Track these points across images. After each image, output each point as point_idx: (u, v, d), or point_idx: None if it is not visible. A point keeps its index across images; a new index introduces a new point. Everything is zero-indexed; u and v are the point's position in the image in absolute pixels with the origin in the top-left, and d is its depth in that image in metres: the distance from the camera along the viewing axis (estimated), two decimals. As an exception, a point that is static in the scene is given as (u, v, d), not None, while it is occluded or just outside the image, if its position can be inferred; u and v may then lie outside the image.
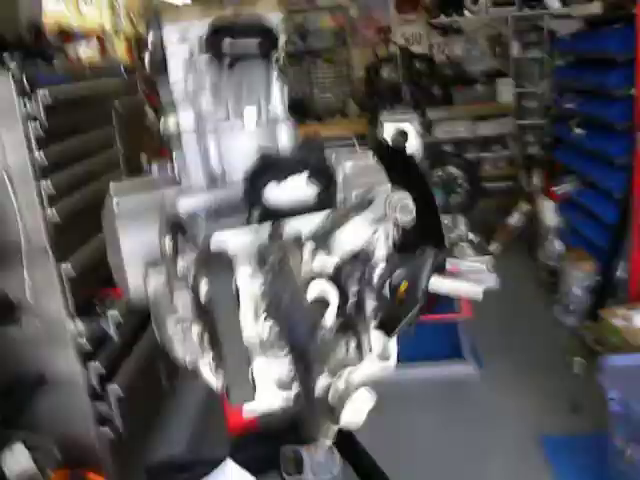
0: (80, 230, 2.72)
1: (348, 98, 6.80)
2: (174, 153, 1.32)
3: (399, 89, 5.57)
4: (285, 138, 1.26)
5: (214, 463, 1.91)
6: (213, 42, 1.11)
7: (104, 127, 3.18)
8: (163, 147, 1.54)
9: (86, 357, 2.74)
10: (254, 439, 2.00)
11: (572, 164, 4.93)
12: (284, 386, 0.88)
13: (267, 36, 1.14)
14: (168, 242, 1.20)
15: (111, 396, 2.79)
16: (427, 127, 5.57)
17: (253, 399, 0.86)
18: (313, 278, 0.77)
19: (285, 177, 0.94)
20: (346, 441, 1.97)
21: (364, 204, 0.78)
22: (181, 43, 1.18)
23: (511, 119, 6.62)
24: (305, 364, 0.69)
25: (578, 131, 4.62)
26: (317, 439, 0.67)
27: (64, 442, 2.57)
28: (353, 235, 0.76)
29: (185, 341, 1.26)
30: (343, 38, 6.73)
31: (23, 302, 2.54)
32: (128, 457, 3.06)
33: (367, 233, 0.76)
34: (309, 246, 0.79)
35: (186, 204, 1.11)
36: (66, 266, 2.61)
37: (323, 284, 0.82)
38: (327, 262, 0.77)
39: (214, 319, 0.81)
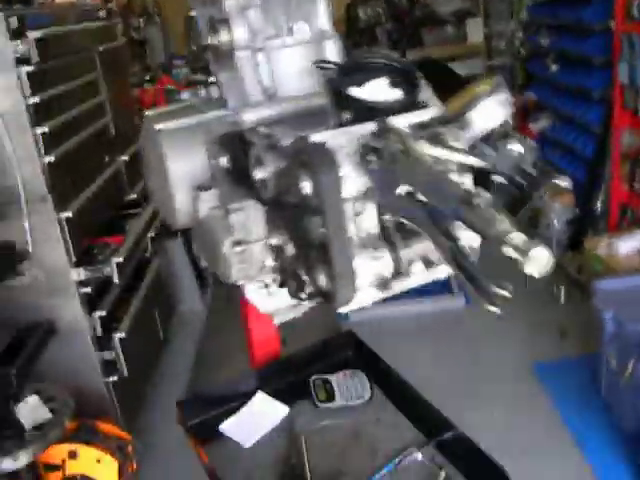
0: (77, 176, 2.67)
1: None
2: (219, 74, 1.30)
3: (376, 29, 5.54)
4: (334, 54, 1.25)
5: (245, 395, 1.94)
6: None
7: (89, 72, 3.08)
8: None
9: (90, 305, 2.72)
10: (280, 370, 2.03)
11: (547, 101, 4.99)
12: (384, 285, 0.90)
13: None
14: (224, 163, 1.19)
15: (116, 343, 2.79)
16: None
17: (354, 297, 0.88)
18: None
19: (367, 80, 0.94)
20: (375, 365, 2.02)
21: (491, 89, 0.78)
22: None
23: (481, 59, 6.64)
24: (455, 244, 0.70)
25: (554, 67, 4.66)
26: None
27: (71, 391, 2.57)
28: (488, 115, 0.77)
29: (242, 263, 1.26)
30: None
31: (25, 252, 2.49)
32: (135, 401, 3.08)
33: (503, 114, 0.76)
34: (424, 137, 0.80)
35: (252, 117, 1.10)
36: (66, 214, 2.56)
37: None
38: (449, 155, 0.77)
39: (323, 217, 0.81)
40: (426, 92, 0.95)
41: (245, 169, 1.14)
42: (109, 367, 2.81)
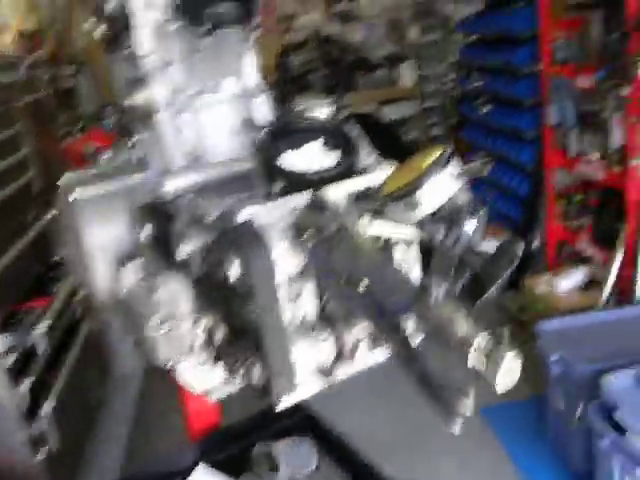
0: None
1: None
2: (135, 136, 1.20)
3: (308, 77, 5.54)
4: (264, 110, 1.18)
5: (184, 471, 1.79)
6: (190, 6, 1.00)
7: (8, 127, 2.91)
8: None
9: (14, 376, 2.51)
10: (220, 441, 1.90)
11: (480, 142, 5.07)
12: (325, 372, 0.80)
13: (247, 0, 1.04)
14: (146, 232, 1.09)
15: (45, 416, 2.58)
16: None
17: (295, 389, 0.78)
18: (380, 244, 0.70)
19: (300, 145, 0.86)
20: (320, 431, 1.91)
21: (444, 159, 0.71)
22: (148, 10, 1.06)
23: (414, 102, 6.74)
24: (402, 337, 0.61)
25: (485, 109, 4.75)
26: (456, 412, 0.59)
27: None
28: (439, 191, 0.69)
29: (171, 340, 1.15)
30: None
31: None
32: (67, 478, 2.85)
33: (453, 188, 0.69)
34: (366, 213, 0.72)
35: (173, 186, 1.00)
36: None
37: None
38: (385, 228, 0.70)
39: (253, 303, 0.72)
40: (364, 152, 0.87)
41: (169, 242, 1.03)
42: (38, 442, 2.58)
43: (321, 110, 3.39)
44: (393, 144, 1.32)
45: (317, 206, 0.74)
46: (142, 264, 1.14)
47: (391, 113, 6.75)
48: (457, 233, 0.65)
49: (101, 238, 1.17)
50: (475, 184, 5.01)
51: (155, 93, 1.07)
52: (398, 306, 0.60)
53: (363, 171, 0.85)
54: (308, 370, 0.79)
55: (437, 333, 0.57)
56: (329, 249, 0.68)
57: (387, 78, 6.69)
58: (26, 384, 2.51)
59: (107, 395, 3.64)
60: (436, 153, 0.72)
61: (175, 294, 1.12)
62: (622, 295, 3.49)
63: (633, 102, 3.09)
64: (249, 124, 1.09)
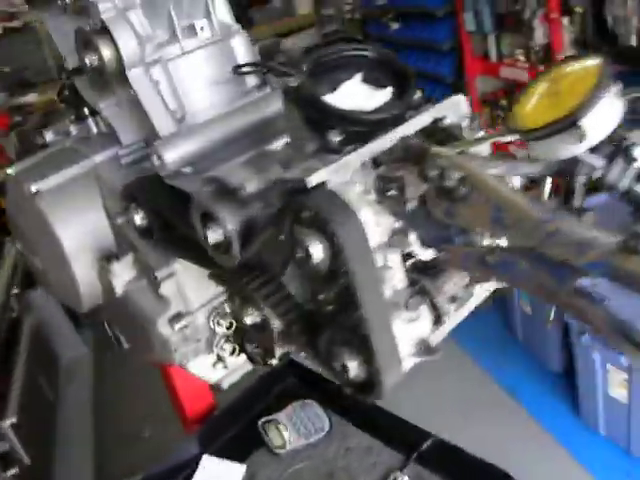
0: None
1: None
2: (99, 103, 0.98)
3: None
4: (244, 53, 0.98)
5: (189, 465, 1.64)
6: None
7: None
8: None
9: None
10: (221, 424, 1.75)
11: (393, 60, 4.94)
12: (424, 352, 0.67)
13: None
14: (139, 221, 0.90)
15: (7, 432, 2.35)
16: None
17: (401, 378, 0.65)
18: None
19: (337, 84, 0.69)
20: (324, 389, 1.80)
21: (609, 76, 0.56)
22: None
23: (314, 30, 6.49)
24: None
25: (395, 25, 4.61)
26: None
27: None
28: (607, 117, 0.54)
29: (185, 341, 0.98)
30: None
31: None
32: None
33: (620, 111, 0.54)
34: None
35: (172, 156, 0.81)
36: None
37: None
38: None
39: (348, 287, 0.57)
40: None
41: (175, 225, 0.85)
42: (6, 460, 2.36)
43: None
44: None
45: (406, 151, 0.59)
46: (136, 257, 0.95)
47: (289, 43, 6.49)
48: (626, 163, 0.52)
49: (76, 232, 0.97)
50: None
51: (120, 45, 0.85)
52: (590, 267, 0.47)
53: (417, 104, 0.70)
54: (408, 351, 0.65)
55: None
56: (452, 203, 0.54)
57: (283, 8, 6.39)
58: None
59: (61, 385, 3.43)
60: (591, 68, 0.58)
61: (184, 284, 0.95)
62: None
63: (554, -2, 3.03)
64: (242, 69, 0.90)
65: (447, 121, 0.69)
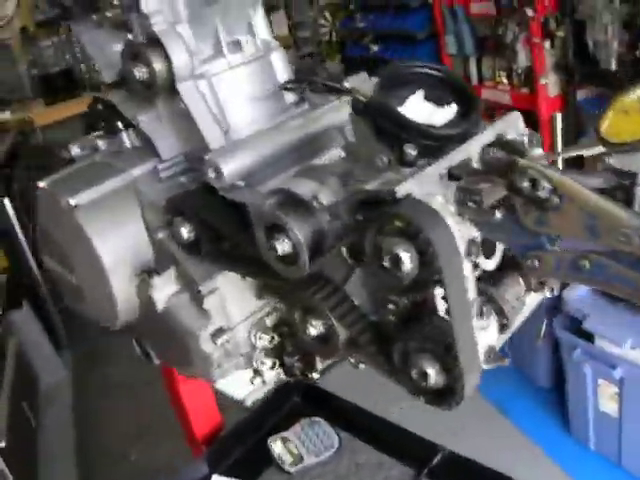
0: None
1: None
2: (141, 116, 0.98)
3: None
4: (282, 69, 1.00)
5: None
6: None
7: None
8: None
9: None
10: (229, 444, 1.73)
11: (372, 82, 5.01)
12: (492, 360, 0.68)
13: None
14: (186, 234, 0.90)
15: (-5, 455, 2.28)
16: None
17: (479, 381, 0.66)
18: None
19: (403, 99, 0.71)
20: (330, 405, 1.80)
21: None
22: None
23: (290, 51, 6.56)
24: None
25: (375, 48, 4.69)
26: None
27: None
28: None
29: (227, 357, 0.98)
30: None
31: None
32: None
33: None
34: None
35: (231, 168, 0.81)
36: None
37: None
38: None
39: (445, 291, 0.58)
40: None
41: (229, 238, 0.85)
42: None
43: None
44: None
45: (492, 164, 0.60)
46: (178, 271, 0.95)
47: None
48: None
49: (115, 247, 0.96)
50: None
51: (172, 58, 0.86)
52: None
53: (474, 122, 0.72)
54: (481, 356, 0.67)
55: None
56: (543, 212, 0.55)
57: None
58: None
59: (42, 408, 3.36)
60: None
61: (226, 298, 0.95)
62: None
63: (536, 22, 3.12)
64: (289, 85, 0.91)
65: (509, 137, 0.71)
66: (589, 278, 0.58)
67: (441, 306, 0.61)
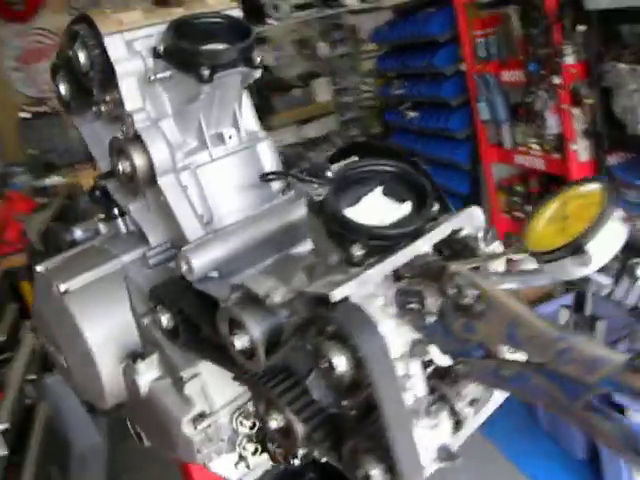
0: None
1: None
2: (129, 206, 1.03)
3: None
4: (269, 158, 1.04)
5: None
6: (184, 50, 0.85)
7: None
8: None
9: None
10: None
11: (411, 147, 5.07)
12: (445, 458, 0.67)
13: (246, 36, 0.90)
14: (165, 322, 0.92)
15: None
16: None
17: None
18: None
19: (358, 198, 0.73)
20: None
21: (614, 202, 0.59)
22: (132, 58, 0.90)
23: (333, 116, 6.72)
24: None
25: (412, 114, 4.75)
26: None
27: None
28: (612, 240, 0.57)
29: (209, 441, 0.99)
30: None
31: None
32: None
33: (624, 234, 0.57)
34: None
35: (201, 262, 0.84)
36: None
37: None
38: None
39: (370, 397, 0.58)
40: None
41: (200, 328, 0.88)
42: None
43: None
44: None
45: (425, 268, 0.61)
46: (161, 357, 0.97)
47: (312, 131, 6.70)
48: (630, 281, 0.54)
49: (102, 332, 0.99)
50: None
51: (152, 154, 0.91)
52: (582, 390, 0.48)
53: (433, 217, 0.73)
54: (430, 457, 0.66)
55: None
56: (471, 318, 0.56)
57: (303, 96, 6.63)
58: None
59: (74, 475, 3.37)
60: (597, 192, 0.61)
61: (208, 384, 0.96)
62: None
63: (565, 90, 3.13)
64: (269, 177, 0.95)
65: (464, 232, 0.72)
66: (509, 386, 0.57)
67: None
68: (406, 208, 0.71)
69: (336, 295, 0.60)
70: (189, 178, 0.96)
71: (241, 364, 0.76)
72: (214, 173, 0.97)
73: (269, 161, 1.03)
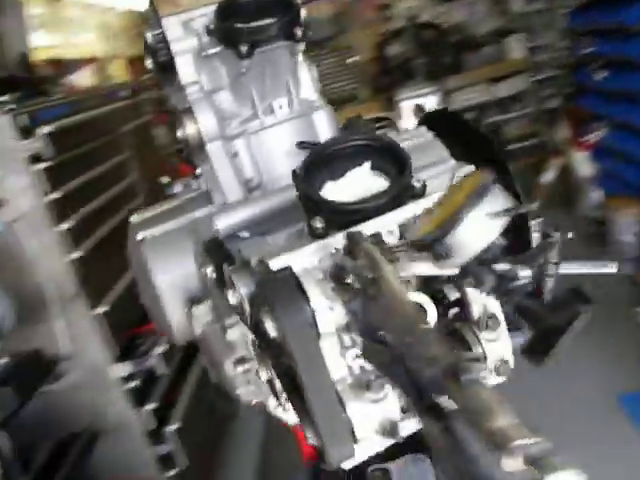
0: (110, 266, 2.56)
1: (358, 83, 6.51)
2: (199, 167, 1.15)
3: (410, 64, 5.37)
4: (325, 127, 1.08)
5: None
6: (224, 28, 0.93)
7: (115, 156, 3.01)
8: (182, 165, 1.37)
9: (138, 399, 2.59)
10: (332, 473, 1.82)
11: (599, 109, 4.66)
12: (389, 433, 0.70)
13: (288, 11, 0.95)
14: (210, 273, 1.03)
15: (170, 436, 2.64)
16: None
17: (354, 455, 0.69)
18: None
19: (343, 172, 0.76)
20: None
21: (479, 195, 0.58)
22: (186, 37, 1.00)
23: (525, 75, 6.36)
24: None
25: (601, 74, 4.36)
26: None
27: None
28: (476, 235, 0.57)
29: (249, 383, 1.08)
30: (341, 24, 6.43)
31: (60, 355, 2.38)
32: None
33: (493, 231, 0.57)
34: (406, 253, 0.61)
35: (225, 223, 0.93)
36: (102, 309, 2.45)
37: (422, 298, 0.64)
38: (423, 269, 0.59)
39: (292, 366, 0.63)
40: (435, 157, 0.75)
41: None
42: (166, 462, 2.64)
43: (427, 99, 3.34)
44: (474, 140, 1.14)
45: (354, 249, 0.63)
46: (211, 305, 1.08)
47: (503, 90, 6.41)
48: (510, 279, 0.52)
49: (170, 277, 1.12)
50: (598, 154, 4.62)
51: (200, 122, 1.00)
52: (428, 382, 0.48)
53: (417, 194, 0.74)
54: (370, 429, 0.69)
55: (467, 420, 0.45)
56: (365, 302, 0.58)
57: (495, 54, 6.35)
58: (150, 406, 2.58)
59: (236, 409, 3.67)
60: (473, 182, 0.59)
61: (247, 334, 1.06)
62: None
63: None
64: (304, 145, 1.00)
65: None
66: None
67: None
68: (383, 183, 0.73)
69: (273, 264, 0.65)
70: (242, 144, 1.04)
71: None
72: (265, 140, 1.05)
73: (325, 129, 1.08)
